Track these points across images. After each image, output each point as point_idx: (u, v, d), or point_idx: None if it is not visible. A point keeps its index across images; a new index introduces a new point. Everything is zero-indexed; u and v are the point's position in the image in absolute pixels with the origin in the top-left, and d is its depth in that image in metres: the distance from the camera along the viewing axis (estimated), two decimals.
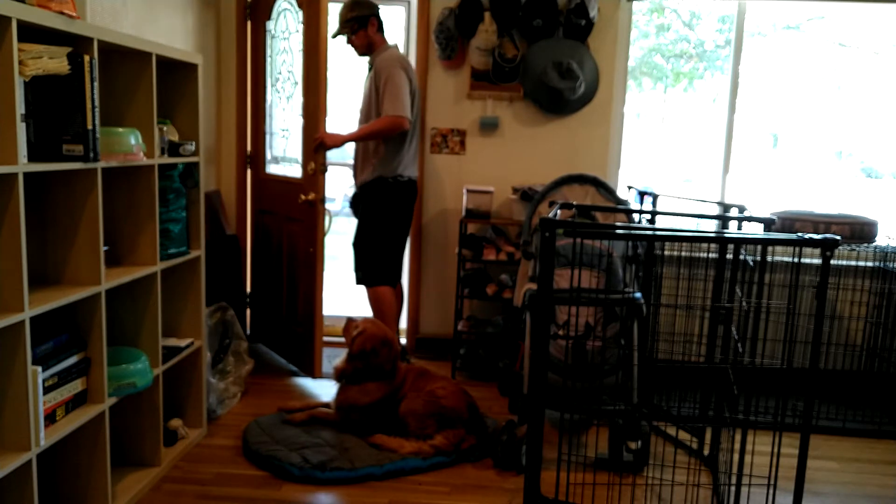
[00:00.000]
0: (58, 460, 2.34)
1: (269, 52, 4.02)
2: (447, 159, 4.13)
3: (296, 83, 3.79)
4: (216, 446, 2.96)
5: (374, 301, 3.71)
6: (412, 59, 4.07)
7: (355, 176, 3.77)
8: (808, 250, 2.18)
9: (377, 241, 3.69)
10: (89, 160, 2.12)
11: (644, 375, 3.03)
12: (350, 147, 3.73)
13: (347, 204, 4.00)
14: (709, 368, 2.96)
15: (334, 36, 3.66)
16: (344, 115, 3.93)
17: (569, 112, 4.03)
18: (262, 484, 2.68)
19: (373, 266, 3.69)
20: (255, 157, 4.20)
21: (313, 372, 3.76)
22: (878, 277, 3.77)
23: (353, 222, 3.85)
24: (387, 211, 3.67)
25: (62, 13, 2.00)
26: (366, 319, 3.17)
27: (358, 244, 3.74)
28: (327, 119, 3.63)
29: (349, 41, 3.67)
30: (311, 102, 3.58)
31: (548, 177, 3.50)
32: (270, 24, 3.99)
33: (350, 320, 3.20)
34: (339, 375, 3.08)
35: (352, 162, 3.84)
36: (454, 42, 3.94)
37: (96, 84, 2.12)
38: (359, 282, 3.75)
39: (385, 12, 3.78)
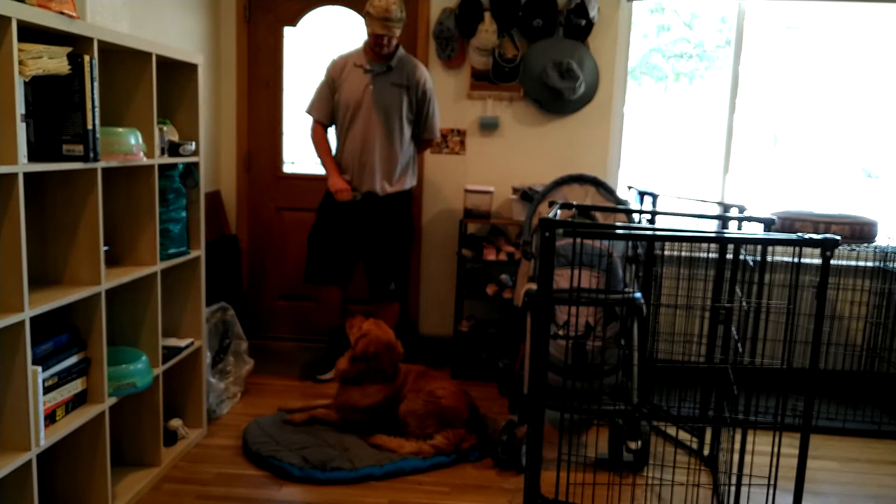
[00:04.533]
0: (58, 460, 2.34)
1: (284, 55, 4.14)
2: (447, 159, 4.13)
3: None
4: (216, 446, 2.96)
5: (393, 314, 3.69)
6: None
7: (386, 181, 3.52)
8: (808, 250, 2.18)
9: (407, 253, 3.72)
10: (89, 160, 2.12)
11: (644, 375, 3.03)
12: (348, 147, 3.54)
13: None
14: (709, 368, 2.96)
15: (383, 34, 3.32)
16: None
17: (569, 112, 4.03)
18: (262, 484, 2.68)
19: (404, 279, 3.71)
20: (270, 158, 4.24)
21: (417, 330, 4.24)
22: (878, 277, 3.77)
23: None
24: (411, 221, 3.74)
25: (62, 13, 2.00)
26: (370, 321, 3.14)
27: (392, 257, 3.61)
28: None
29: (387, 42, 3.38)
30: None
31: (548, 177, 3.50)
32: (289, 30, 4.13)
33: (352, 318, 3.17)
34: (341, 376, 3.07)
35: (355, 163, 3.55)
36: (454, 42, 3.94)
37: (96, 84, 2.12)
38: (391, 296, 3.65)
39: None
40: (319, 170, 4.01)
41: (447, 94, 4.06)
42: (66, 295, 2.10)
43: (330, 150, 3.60)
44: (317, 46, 4.15)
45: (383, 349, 3.02)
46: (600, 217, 3.15)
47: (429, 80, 3.56)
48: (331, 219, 3.59)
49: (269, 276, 4.35)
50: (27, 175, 2.14)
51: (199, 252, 2.92)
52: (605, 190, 3.23)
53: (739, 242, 2.50)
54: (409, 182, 3.63)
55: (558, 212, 2.72)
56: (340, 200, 3.48)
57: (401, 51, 3.52)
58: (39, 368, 1.98)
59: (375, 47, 3.42)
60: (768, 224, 2.54)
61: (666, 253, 3.72)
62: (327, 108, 3.56)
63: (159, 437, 2.70)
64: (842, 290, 3.79)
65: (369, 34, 3.40)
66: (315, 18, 4.12)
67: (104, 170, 2.30)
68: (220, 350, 3.43)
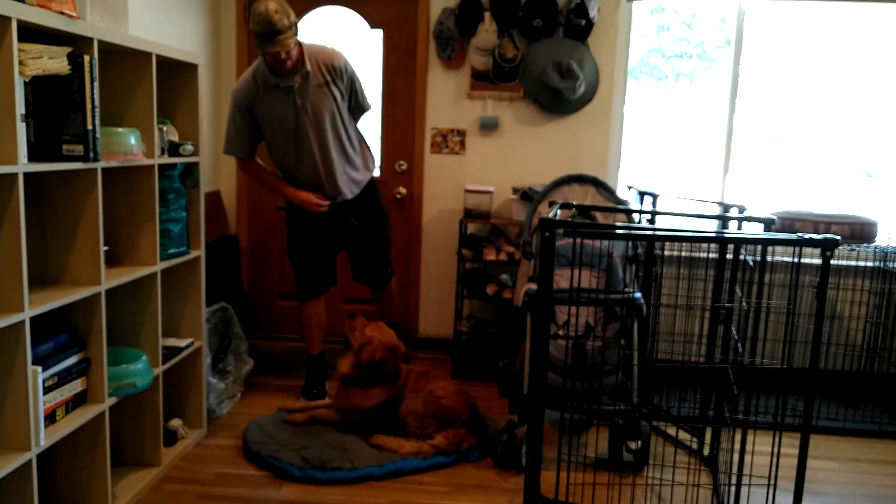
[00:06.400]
0: (58, 460, 2.35)
1: None
2: (447, 159, 4.13)
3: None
4: (216, 446, 2.97)
5: (397, 289, 3.74)
6: (412, 59, 4.08)
7: (353, 180, 3.38)
8: (808, 250, 2.18)
9: (388, 233, 3.61)
10: (89, 160, 2.12)
11: (644, 375, 3.03)
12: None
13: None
14: (709, 368, 2.96)
15: (277, 51, 2.95)
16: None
17: (569, 112, 4.03)
18: (262, 484, 2.68)
19: (389, 257, 3.63)
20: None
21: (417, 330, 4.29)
22: (878, 277, 3.77)
23: None
24: (381, 200, 3.58)
25: (62, 13, 2.00)
26: (371, 326, 3.11)
27: (381, 244, 3.54)
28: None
29: (286, 56, 3.01)
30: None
31: (548, 177, 3.50)
32: None
33: (353, 320, 3.15)
34: (343, 379, 3.06)
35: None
36: (454, 42, 3.94)
37: (96, 84, 2.12)
38: (387, 280, 3.62)
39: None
40: None
41: (447, 94, 4.06)
42: (66, 295, 2.10)
43: (273, 173, 3.38)
44: None
45: (388, 354, 3.01)
46: (600, 217, 3.15)
47: (346, 60, 3.24)
48: (308, 229, 3.39)
49: (269, 276, 4.35)
50: (27, 175, 2.15)
51: (199, 252, 2.92)
52: (605, 190, 3.23)
53: (739, 242, 2.50)
54: (372, 164, 3.47)
55: (558, 212, 2.72)
56: (320, 212, 3.29)
57: (305, 49, 3.16)
58: (39, 368, 1.98)
59: (276, 65, 3.05)
60: (768, 224, 2.54)
61: (666, 253, 3.72)
62: (251, 142, 3.29)
63: (159, 437, 2.70)
64: (842, 290, 3.79)
65: (262, 55, 3.05)
66: (315, 18, 4.12)
67: (104, 170, 2.30)
68: (220, 350, 3.43)
